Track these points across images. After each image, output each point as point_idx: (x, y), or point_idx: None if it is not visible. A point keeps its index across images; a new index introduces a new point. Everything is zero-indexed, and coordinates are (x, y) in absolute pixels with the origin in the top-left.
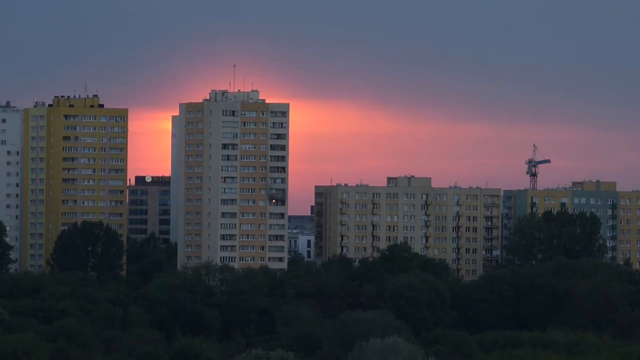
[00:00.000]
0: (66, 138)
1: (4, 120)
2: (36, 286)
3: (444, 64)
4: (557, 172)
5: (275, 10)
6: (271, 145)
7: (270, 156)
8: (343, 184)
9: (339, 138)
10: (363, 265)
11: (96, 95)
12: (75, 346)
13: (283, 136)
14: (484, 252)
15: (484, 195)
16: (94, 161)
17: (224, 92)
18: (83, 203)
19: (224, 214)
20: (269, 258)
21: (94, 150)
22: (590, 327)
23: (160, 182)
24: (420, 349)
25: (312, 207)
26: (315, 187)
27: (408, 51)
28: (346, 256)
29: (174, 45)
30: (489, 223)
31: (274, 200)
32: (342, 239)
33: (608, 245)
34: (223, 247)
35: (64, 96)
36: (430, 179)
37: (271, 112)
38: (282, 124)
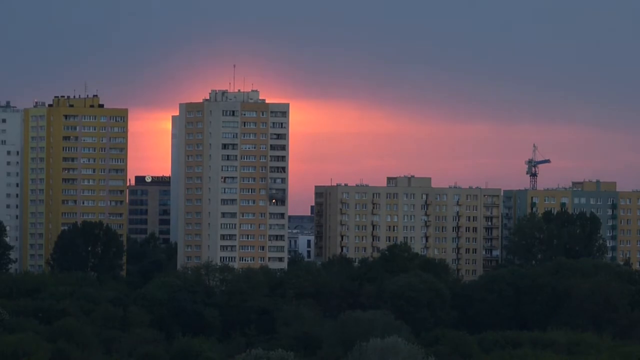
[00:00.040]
0: (66, 138)
1: (4, 120)
2: (36, 286)
3: (444, 64)
4: (557, 172)
5: (275, 10)
6: (271, 145)
7: (270, 156)
8: (343, 184)
9: (339, 138)
10: (363, 265)
11: (96, 95)
12: (75, 346)
13: (283, 136)
14: (484, 252)
15: (484, 195)
16: (94, 161)
17: (224, 92)
18: (83, 203)
19: (224, 214)
20: (269, 258)
21: (94, 150)
22: (590, 327)
23: (160, 182)
24: (420, 349)
25: (312, 207)
26: (315, 187)
27: (408, 51)
28: (346, 256)
29: (174, 45)
30: (489, 223)
31: (274, 200)
32: (342, 239)
33: (608, 245)
34: (223, 247)
35: (64, 96)
36: (430, 179)
37: (271, 112)
38: (282, 124)
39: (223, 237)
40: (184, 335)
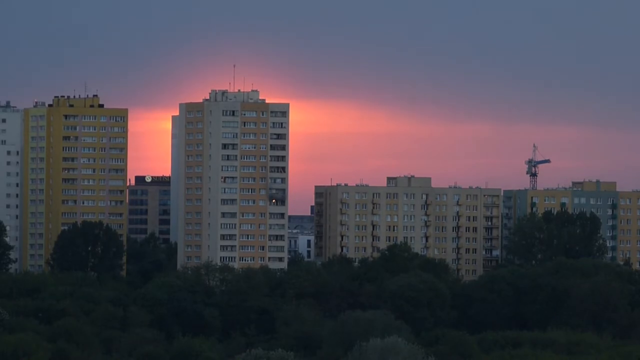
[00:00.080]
0: (66, 138)
1: (4, 120)
2: (36, 286)
3: (444, 63)
4: (557, 172)
5: (275, 10)
6: (271, 145)
7: (270, 156)
8: (343, 184)
9: (339, 138)
10: (363, 265)
11: (96, 95)
12: (75, 346)
13: (283, 136)
14: (484, 252)
15: (484, 195)
16: (94, 161)
17: (224, 92)
18: (83, 203)
19: (224, 214)
20: (269, 258)
21: (94, 150)
22: (590, 327)
23: (160, 182)
24: (420, 349)
25: (312, 207)
26: (315, 187)
27: (408, 51)
28: (346, 256)
29: (174, 45)
30: (489, 223)
31: (274, 200)
32: (342, 239)
33: (608, 245)
34: (223, 247)
35: (64, 96)
36: (430, 179)
37: (271, 112)
38: (282, 124)
39: (223, 237)
40: (184, 335)
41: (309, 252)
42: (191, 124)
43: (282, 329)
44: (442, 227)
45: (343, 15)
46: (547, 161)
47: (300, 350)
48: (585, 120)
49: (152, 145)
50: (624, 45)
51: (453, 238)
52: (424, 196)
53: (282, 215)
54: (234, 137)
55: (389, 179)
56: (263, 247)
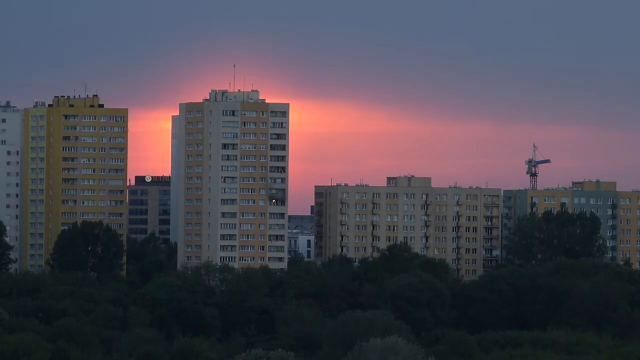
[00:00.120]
0: (66, 138)
1: (4, 120)
2: (36, 286)
3: (444, 63)
4: (557, 172)
5: (275, 10)
6: (271, 145)
7: (270, 156)
8: (343, 184)
9: (339, 138)
10: (363, 265)
11: (96, 95)
12: (75, 346)
13: (283, 136)
14: (484, 252)
15: (484, 195)
16: (94, 161)
17: (224, 92)
18: (83, 203)
19: (224, 214)
20: (269, 258)
21: (94, 150)
22: (590, 327)
23: (160, 182)
24: (420, 349)
25: (312, 207)
26: (315, 187)
27: (408, 51)
28: (346, 256)
29: (174, 45)
30: (489, 223)
31: (274, 200)
32: (342, 239)
33: (608, 245)
34: (223, 247)
35: (64, 96)
36: (430, 179)
37: (271, 112)
38: (282, 124)
39: (223, 237)
40: (184, 335)
41: (309, 252)
42: (191, 124)
43: (282, 329)
44: (442, 227)
45: (343, 15)
46: (547, 161)
47: (300, 350)
48: (585, 120)
49: (152, 145)
50: (624, 45)
51: (453, 238)
52: (424, 196)
53: (282, 215)
54: (234, 137)
55: (389, 179)
56: (263, 247)
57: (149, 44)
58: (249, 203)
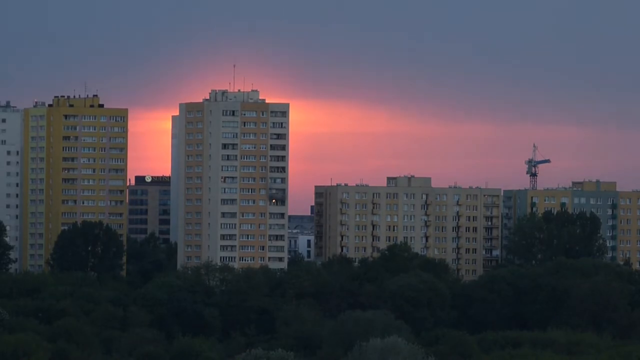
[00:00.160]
0: (66, 138)
1: (4, 120)
2: (36, 286)
3: (444, 63)
4: (557, 172)
5: (275, 10)
6: (271, 145)
7: (270, 156)
8: (343, 184)
9: (339, 138)
10: (363, 265)
11: (96, 95)
12: (75, 346)
13: (283, 136)
14: (484, 252)
15: (484, 195)
16: (94, 161)
17: (224, 92)
18: (83, 203)
19: (224, 214)
20: (269, 258)
21: (94, 150)
22: (590, 327)
23: (160, 182)
24: (420, 348)
25: (312, 207)
26: (315, 187)
27: (408, 51)
28: (346, 256)
29: (174, 45)
30: (489, 223)
31: (274, 200)
32: (342, 239)
33: (608, 245)
34: (223, 247)
35: (64, 96)
36: (430, 179)
37: (271, 112)
38: (282, 124)
39: (223, 237)
40: (184, 335)
41: (309, 252)
42: (191, 124)
43: (282, 329)
44: (442, 227)
45: (343, 15)
46: (547, 161)
47: (300, 350)
48: (585, 120)
49: (152, 145)
50: (624, 45)
51: (453, 238)
52: (424, 196)
53: (282, 215)
54: (234, 137)
55: (389, 179)
56: (263, 247)
57: (149, 44)
58: (249, 203)
